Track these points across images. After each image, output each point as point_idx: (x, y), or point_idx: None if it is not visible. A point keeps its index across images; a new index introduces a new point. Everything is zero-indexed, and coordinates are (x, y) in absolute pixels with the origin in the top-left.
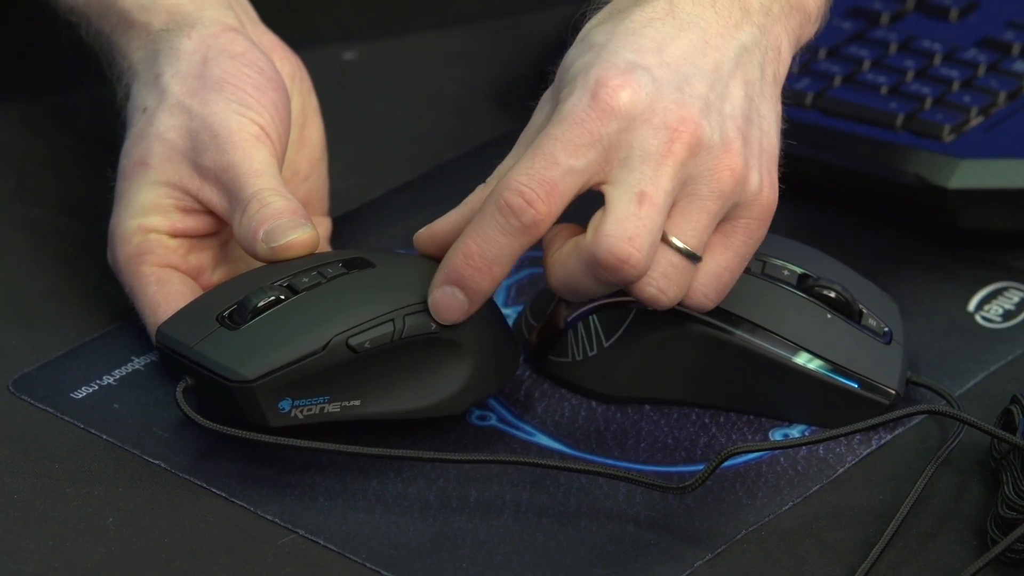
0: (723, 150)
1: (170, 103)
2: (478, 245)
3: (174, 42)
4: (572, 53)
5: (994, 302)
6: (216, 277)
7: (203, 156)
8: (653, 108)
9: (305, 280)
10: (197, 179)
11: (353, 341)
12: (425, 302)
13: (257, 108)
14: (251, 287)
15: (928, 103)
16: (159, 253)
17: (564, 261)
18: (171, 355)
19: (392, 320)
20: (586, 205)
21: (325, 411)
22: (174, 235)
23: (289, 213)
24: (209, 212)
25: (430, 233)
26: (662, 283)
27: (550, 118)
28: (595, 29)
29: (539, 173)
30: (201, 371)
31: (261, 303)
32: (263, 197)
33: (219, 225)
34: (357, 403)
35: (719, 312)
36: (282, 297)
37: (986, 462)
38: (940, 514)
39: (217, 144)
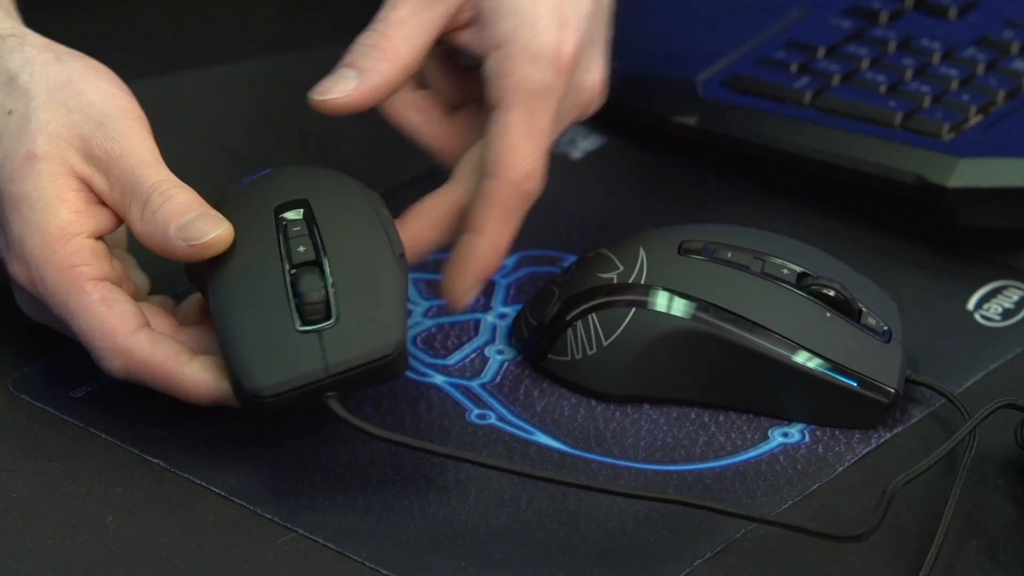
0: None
1: (41, 100)
2: (507, 237)
3: (15, 48)
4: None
5: (993, 301)
6: (137, 281)
7: (91, 145)
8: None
9: (302, 249)
10: (88, 167)
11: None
12: None
13: (128, 96)
14: (258, 291)
15: (927, 102)
16: (94, 264)
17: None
18: (299, 393)
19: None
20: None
21: None
22: (95, 237)
23: (197, 206)
24: (105, 205)
25: (428, 208)
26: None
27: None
28: None
29: (541, 151)
30: (349, 374)
31: (315, 292)
32: (164, 190)
33: (117, 221)
34: None
35: (719, 311)
36: (320, 278)
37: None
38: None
39: (104, 132)
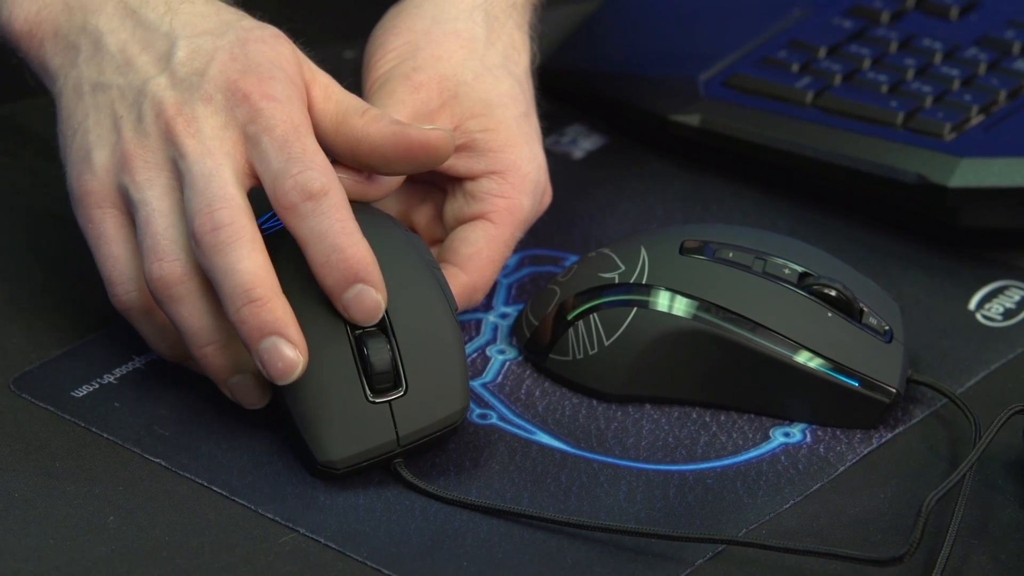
0: None
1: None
2: None
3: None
4: None
5: (995, 301)
6: None
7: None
8: None
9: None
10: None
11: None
12: None
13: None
14: (326, 357)
15: (928, 102)
16: None
17: None
18: (370, 462)
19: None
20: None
21: None
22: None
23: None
24: None
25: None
26: None
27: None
28: None
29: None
30: (418, 442)
31: (383, 361)
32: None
33: None
34: None
35: (720, 310)
36: (387, 344)
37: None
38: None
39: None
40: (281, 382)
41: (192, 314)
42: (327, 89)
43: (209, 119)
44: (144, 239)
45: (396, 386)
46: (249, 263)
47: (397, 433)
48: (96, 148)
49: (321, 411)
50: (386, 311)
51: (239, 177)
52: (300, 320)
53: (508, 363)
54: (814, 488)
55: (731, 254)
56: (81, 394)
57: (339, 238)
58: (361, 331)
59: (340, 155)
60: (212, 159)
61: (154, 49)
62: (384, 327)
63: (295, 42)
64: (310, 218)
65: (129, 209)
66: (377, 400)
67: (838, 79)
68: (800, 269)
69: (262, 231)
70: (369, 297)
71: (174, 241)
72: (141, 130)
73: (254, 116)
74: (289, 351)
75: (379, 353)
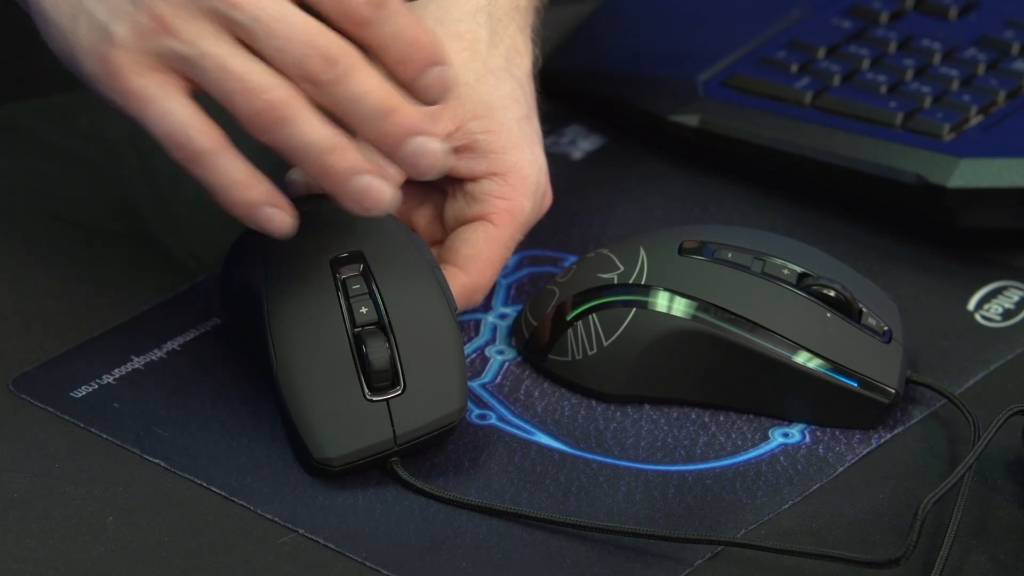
0: None
1: None
2: None
3: None
4: None
5: (994, 301)
6: None
7: None
8: None
9: (364, 310)
10: None
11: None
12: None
13: None
14: (324, 355)
15: (927, 102)
16: None
17: None
18: (367, 460)
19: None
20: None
21: None
22: None
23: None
24: None
25: None
26: None
27: None
28: None
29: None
30: (415, 441)
31: (381, 359)
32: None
33: None
34: None
35: (719, 311)
36: (385, 343)
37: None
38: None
39: None
40: (428, 173)
41: (311, 127)
42: None
43: None
44: (226, 84)
45: (394, 385)
46: (375, 81)
47: (394, 432)
48: (113, 22)
49: (318, 408)
50: (385, 309)
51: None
52: (299, 318)
53: (507, 363)
54: (813, 488)
55: (730, 254)
56: (80, 395)
57: (413, 31)
58: (360, 329)
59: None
60: (273, 1)
61: None
62: (383, 326)
63: None
64: (386, 24)
65: (180, 69)
66: (375, 399)
67: (837, 79)
68: (799, 269)
69: None
70: (442, 75)
71: (264, 72)
72: None
73: None
74: (434, 144)
75: (378, 352)
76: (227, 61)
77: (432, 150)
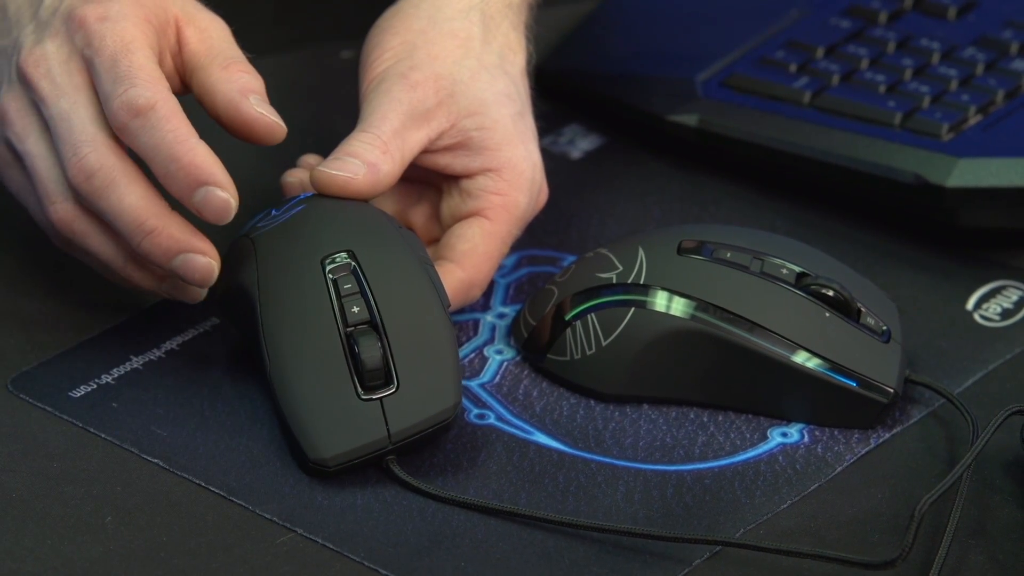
0: None
1: None
2: None
3: None
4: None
5: (992, 301)
6: None
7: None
8: None
9: (356, 309)
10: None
11: None
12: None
13: None
14: (316, 355)
15: (926, 102)
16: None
17: None
18: (362, 459)
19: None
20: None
21: None
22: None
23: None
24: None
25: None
26: None
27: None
28: None
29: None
30: (410, 439)
31: (374, 358)
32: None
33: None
34: None
35: (718, 310)
36: (378, 342)
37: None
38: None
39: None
40: (203, 286)
41: (102, 242)
42: (205, 32)
43: (55, 54)
44: (35, 186)
45: (387, 383)
46: (131, 199)
47: (388, 431)
48: None
49: (312, 409)
50: (377, 308)
51: (96, 109)
52: (292, 319)
53: (506, 363)
54: (812, 488)
55: (729, 254)
56: (79, 394)
57: (173, 148)
58: (352, 329)
59: (196, 99)
60: (66, 98)
61: (32, 5)
62: (375, 324)
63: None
64: (142, 134)
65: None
66: (368, 398)
67: (836, 79)
68: (798, 269)
69: (271, 220)
70: (216, 197)
71: (58, 182)
72: (10, 81)
73: (88, 39)
74: (200, 260)
75: (370, 351)
76: (34, 163)
77: (199, 265)
